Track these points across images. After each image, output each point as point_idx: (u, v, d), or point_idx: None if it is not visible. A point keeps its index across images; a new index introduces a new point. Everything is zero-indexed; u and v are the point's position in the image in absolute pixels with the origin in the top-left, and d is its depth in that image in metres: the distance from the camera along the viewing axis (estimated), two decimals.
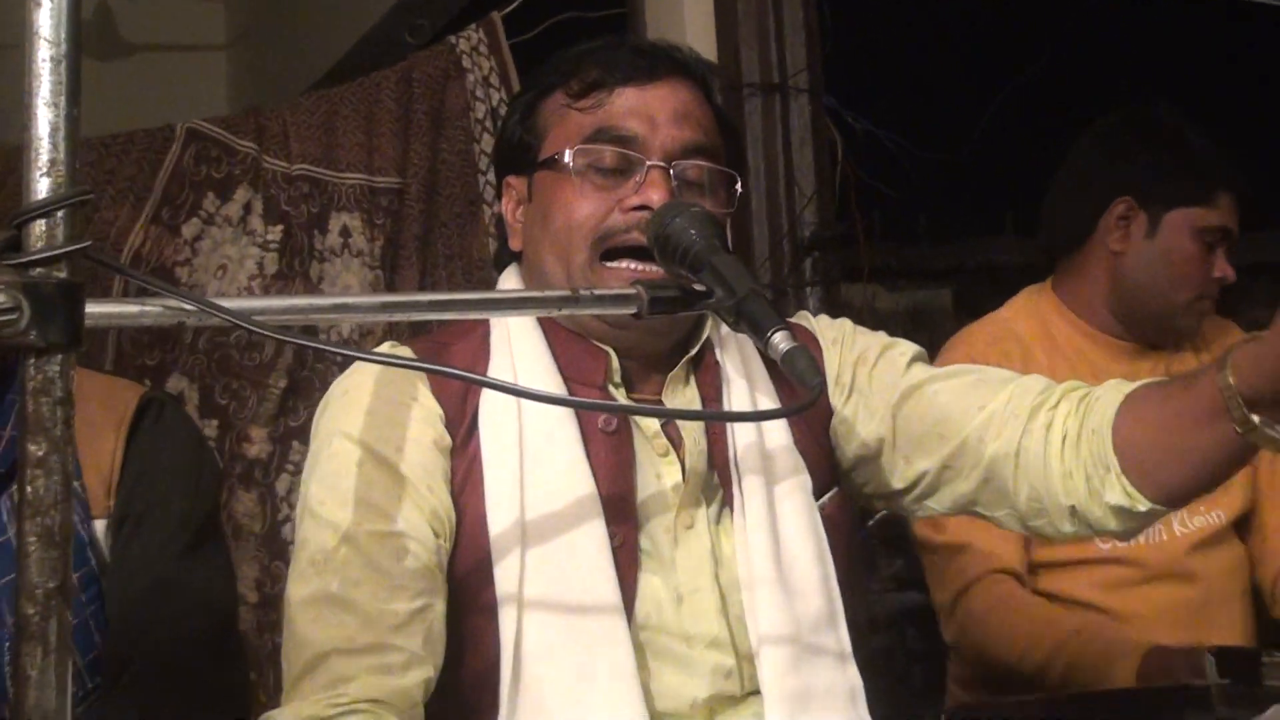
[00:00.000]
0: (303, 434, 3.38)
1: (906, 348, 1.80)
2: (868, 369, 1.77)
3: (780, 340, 1.33)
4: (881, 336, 1.83)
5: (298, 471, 3.38)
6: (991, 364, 2.35)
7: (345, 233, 3.44)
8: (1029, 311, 2.62)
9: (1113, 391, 1.63)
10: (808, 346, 1.41)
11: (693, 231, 1.47)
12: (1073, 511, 1.63)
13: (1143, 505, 1.57)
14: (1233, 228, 2.52)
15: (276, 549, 3.34)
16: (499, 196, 1.81)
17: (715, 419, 1.69)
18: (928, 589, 3.58)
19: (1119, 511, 1.59)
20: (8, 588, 1.78)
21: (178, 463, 1.92)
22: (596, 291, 1.39)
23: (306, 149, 3.44)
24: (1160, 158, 2.53)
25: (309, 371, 3.39)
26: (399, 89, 3.51)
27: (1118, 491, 1.58)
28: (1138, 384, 1.64)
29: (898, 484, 1.75)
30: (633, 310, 1.37)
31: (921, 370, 1.77)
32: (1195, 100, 2.75)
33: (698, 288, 1.42)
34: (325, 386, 3.28)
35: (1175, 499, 1.60)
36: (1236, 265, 2.56)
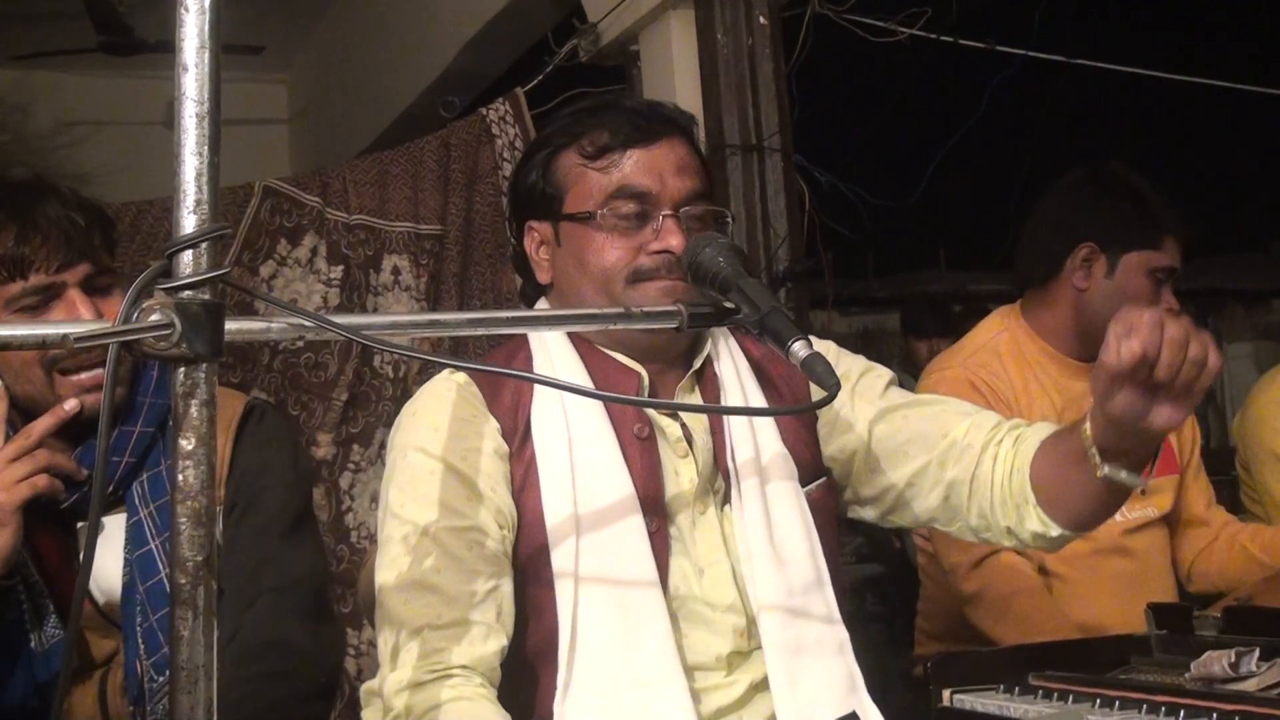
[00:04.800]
0: (361, 439, 3.37)
1: (883, 371, 1.80)
2: (850, 386, 1.76)
3: (800, 348, 1.31)
4: (861, 359, 1.83)
5: (358, 470, 3.37)
6: (978, 368, 2.41)
7: (396, 271, 3.43)
8: (1003, 333, 2.57)
9: (1036, 434, 1.66)
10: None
11: (721, 259, 1.47)
12: (1009, 530, 1.66)
13: (1055, 531, 1.61)
14: (1177, 266, 2.47)
15: (340, 534, 3.31)
16: (518, 236, 1.78)
17: (746, 414, 1.68)
18: (884, 563, 3.59)
19: (1037, 536, 1.63)
20: (140, 560, 1.76)
21: (277, 459, 1.88)
22: (645, 309, 1.37)
23: (363, 202, 3.42)
24: (1118, 208, 2.47)
25: (366, 387, 3.37)
26: (439, 152, 3.50)
27: (1035, 521, 1.62)
28: (1051, 429, 1.66)
29: (866, 491, 1.76)
30: (675, 325, 1.36)
31: (897, 394, 1.77)
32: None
33: (728, 305, 1.40)
34: (380, 400, 3.34)
35: (1080, 525, 1.61)
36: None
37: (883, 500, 1.74)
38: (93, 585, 1.76)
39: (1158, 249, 2.44)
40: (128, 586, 1.76)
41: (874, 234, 3.59)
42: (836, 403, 1.73)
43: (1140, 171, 2.51)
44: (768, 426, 1.69)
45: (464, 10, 4.52)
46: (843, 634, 1.64)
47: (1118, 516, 2.43)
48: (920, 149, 3.70)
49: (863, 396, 1.75)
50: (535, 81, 3.71)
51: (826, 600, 1.64)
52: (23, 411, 1.78)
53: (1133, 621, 1.93)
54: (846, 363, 1.79)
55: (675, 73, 3.49)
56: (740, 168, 3.31)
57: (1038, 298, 2.56)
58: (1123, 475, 1.50)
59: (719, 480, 1.67)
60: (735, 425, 1.67)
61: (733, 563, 1.63)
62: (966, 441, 1.68)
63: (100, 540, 1.77)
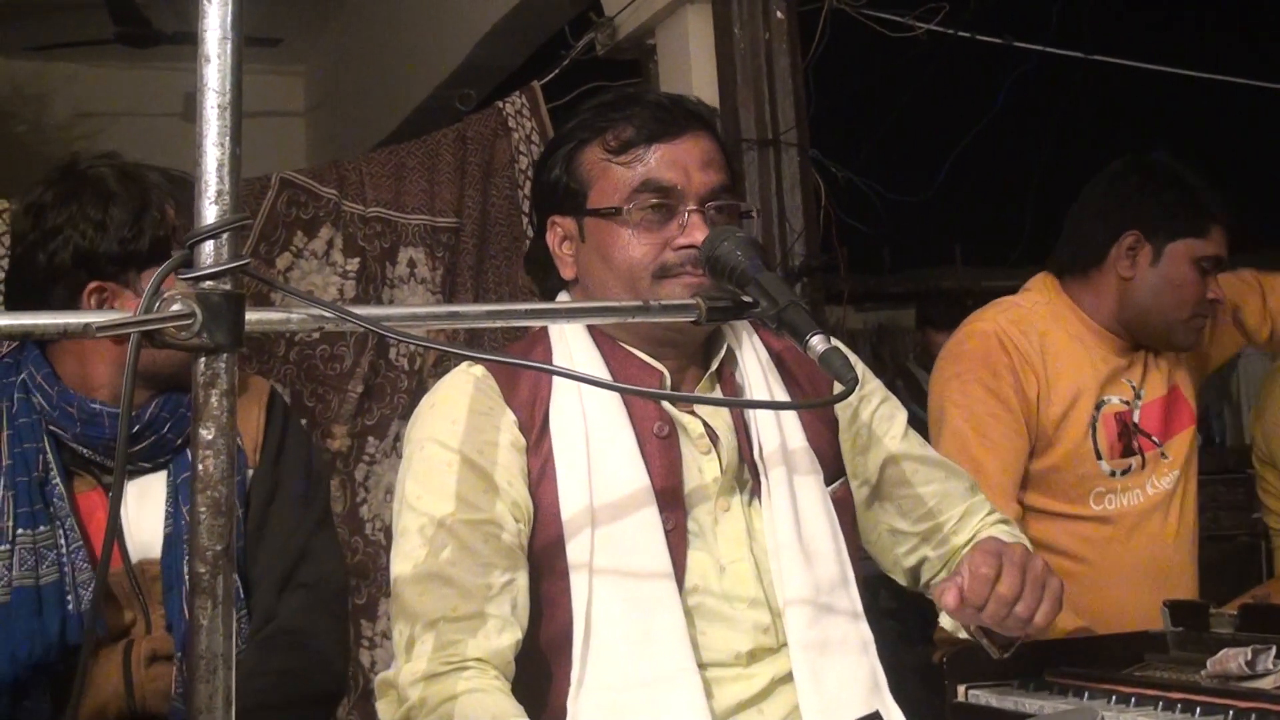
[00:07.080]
0: (376, 431, 3.37)
1: (898, 404, 1.85)
2: (871, 408, 1.79)
3: (818, 342, 1.31)
4: (880, 383, 1.86)
5: (373, 462, 3.37)
6: (1009, 325, 2.44)
7: (411, 264, 3.43)
8: (1044, 303, 2.55)
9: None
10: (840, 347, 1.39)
11: (739, 253, 1.46)
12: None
13: (962, 634, 1.69)
14: (1224, 255, 2.47)
15: (355, 525, 3.32)
16: (539, 232, 1.77)
17: (765, 407, 1.69)
18: None
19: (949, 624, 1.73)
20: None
21: (299, 442, 1.91)
22: (664, 302, 1.37)
23: (379, 194, 3.42)
24: (1163, 197, 2.46)
25: (381, 379, 3.38)
26: (456, 145, 3.50)
27: (948, 619, 1.71)
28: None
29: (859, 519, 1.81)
30: (693, 318, 1.36)
31: (914, 441, 1.82)
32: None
33: (745, 299, 1.40)
34: (395, 392, 3.35)
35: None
36: None
37: (871, 531, 1.80)
38: (129, 542, 1.77)
39: (1204, 237, 2.44)
40: (170, 537, 1.76)
41: (890, 229, 3.59)
42: (855, 420, 1.78)
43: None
44: (793, 423, 1.69)
45: (481, 3, 4.52)
46: (867, 633, 1.65)
47: (1149, 490, 2.43)
48: (936, 144, 3.69)
49: (881, 425, 1.79)
50: (552, 75, 3.71)
51: (851, 598, 1.66)
52: (153, 379, 1.77)
53: (1153, 610, 1.93)
54: (870, 384, 1.82)
55: (692, 67, 3.50)
56: (756, 162, 3.32)
57: (1081, 284, 2.54)
58: (984, 642, 1.61)
59: (745, 476, 1.67)
60: (761, 421, 1.67)
61: (756, 559, 1.64)
62: (954, 528, 1.78)
63: (139, 498, 1.78)
